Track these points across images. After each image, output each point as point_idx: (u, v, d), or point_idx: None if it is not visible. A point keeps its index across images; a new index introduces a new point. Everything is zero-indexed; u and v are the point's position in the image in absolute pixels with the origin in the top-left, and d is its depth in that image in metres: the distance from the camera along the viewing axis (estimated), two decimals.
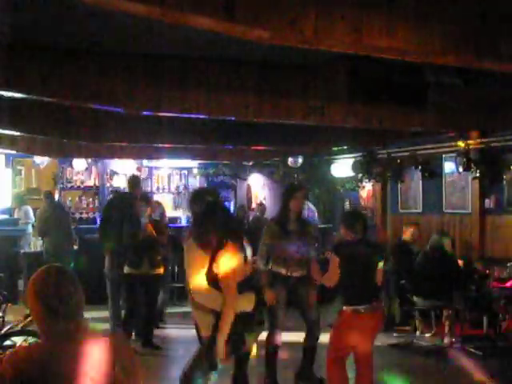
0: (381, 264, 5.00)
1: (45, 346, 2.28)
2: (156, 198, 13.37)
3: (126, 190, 9.25)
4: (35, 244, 10.37)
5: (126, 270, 7.30)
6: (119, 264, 7.37)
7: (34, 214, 11.20)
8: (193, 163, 13.60)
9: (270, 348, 5.72)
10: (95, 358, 2.26)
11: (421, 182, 10.26)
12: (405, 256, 7.95)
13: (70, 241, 9.85)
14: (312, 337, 5.82)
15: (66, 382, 2.20)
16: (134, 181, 8.13)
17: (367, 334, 4.96)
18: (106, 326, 7.57)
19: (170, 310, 9.17)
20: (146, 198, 8.06)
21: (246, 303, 4.09)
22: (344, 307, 4.92)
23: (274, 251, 5.72)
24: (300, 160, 11.81)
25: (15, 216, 11.37)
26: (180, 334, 8.06)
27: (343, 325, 4.97)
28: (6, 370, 2.19)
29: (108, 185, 13.05)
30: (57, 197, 12.08)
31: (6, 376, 2.18)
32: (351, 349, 4.97)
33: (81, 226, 11.07)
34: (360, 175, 10.81)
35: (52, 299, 2.28)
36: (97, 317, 7.68)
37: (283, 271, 5.72)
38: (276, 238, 5.73)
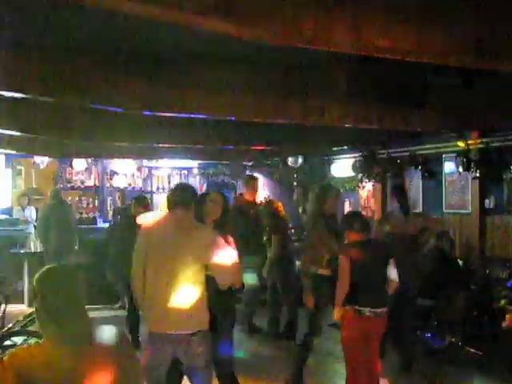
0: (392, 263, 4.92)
1: (46, 347, 2.27)
2: (156, 197, 13.46)
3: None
4: (36, 244, 10.39)
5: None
6: None
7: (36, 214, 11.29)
8: (193, 163, 13.61)
9: (303, 351, 5.71)
10: (96, 359, 2.26)
11: (421, 182, 10.25)
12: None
13: (73, 240, 9.87)
14: None
15: (65, 382, 2.20)
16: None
17: (370, 338, 4.84)
18: (107, 326, 7.55)
19: None
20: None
21: None
22: (347, 307, 4.82)
23: (316, 253, 5.65)
24: (300, 160, 11.81)
25: (18, 215, 11.38)
26: None
27: (354, 329, 4.83)
28: (6, 370, 2.18)
29: (108, 185, 13.05)
30: None
31: (6, 377, 2.17)
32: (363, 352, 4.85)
33: (80, 226, 11.07)
34: (360, 175, 10.80)
35: (53, 300, 2.27)
36: (97, 317, 7.67)
37: (326, 273, 5.56)
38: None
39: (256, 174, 13.95)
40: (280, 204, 8.36)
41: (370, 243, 5.00)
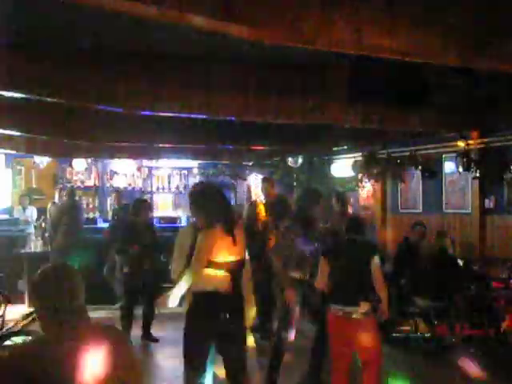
0: (376, 261, 4.86)
1: (44, 343, 2.29)
2: (156, 197, 13.47)
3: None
4: (36, 244, 10.41)
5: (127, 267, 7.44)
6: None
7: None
8: (193, 163, 13.61)
9: (277, 348, 5.60)
10: (95, 354, 2.26)
11: (421, 182, 10.26)
12: (410, 256, 7.92)
13: (79, 240, 9.90)
14: (316, 341, 5.63)
15: (65, 377, 2.21)
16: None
17: (356, 338, 4.76)
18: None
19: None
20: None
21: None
22: (328, 308, 4.87)
23: (282, 254, 5.60)
24: (300, 160, 11.80)
25: (19, 215, 11.40)
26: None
27: (329, 328, 4.90)
28: (6, 366, 2.19)
29: (108, 185, 13.06)
30: (57, 197, 12.12)
31: (6, 372, 2.18)
32: (348, 354, 4.84)
33: None
34: (360, 175, 10.80)
35: (51, 297, 2.29)
36: (97, 317, 7.67)
37: (296, 275, 5.52)
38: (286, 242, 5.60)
39: (256, 175, 14.04)
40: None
41: (355, 243, 4.98)
